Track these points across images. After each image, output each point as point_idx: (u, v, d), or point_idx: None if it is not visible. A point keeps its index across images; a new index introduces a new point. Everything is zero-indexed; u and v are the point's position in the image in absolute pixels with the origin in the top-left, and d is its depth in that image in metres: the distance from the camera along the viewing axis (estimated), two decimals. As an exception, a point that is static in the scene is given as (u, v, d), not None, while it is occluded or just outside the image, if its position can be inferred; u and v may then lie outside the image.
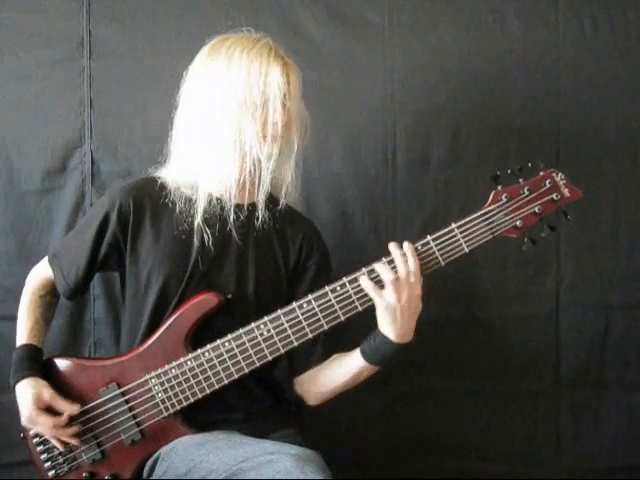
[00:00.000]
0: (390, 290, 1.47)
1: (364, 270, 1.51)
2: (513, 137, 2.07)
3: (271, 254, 1.65)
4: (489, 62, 2.07)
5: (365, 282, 1.49)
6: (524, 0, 2.07)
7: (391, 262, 1.49)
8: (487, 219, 1.51)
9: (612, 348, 2.12)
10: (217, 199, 1.60)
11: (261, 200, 1.60)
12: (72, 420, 1.57)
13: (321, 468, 1.38)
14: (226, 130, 1.56)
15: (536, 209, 1.51)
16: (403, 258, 1.48)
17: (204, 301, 1.57)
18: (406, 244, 1.50)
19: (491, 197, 1.51)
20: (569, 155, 2.06)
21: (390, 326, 1.50)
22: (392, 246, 1.50)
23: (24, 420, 1.57)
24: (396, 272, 1.47)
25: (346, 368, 1.61)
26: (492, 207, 1.51)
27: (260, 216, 1.60)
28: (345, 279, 1.52)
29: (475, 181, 2.06)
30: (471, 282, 2.07)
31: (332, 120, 2.05)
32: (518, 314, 2.10)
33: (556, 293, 2.10)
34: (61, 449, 1.59)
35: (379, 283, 1.49)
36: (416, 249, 1.50)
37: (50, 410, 1.56)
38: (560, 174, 1.52)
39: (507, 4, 2.07)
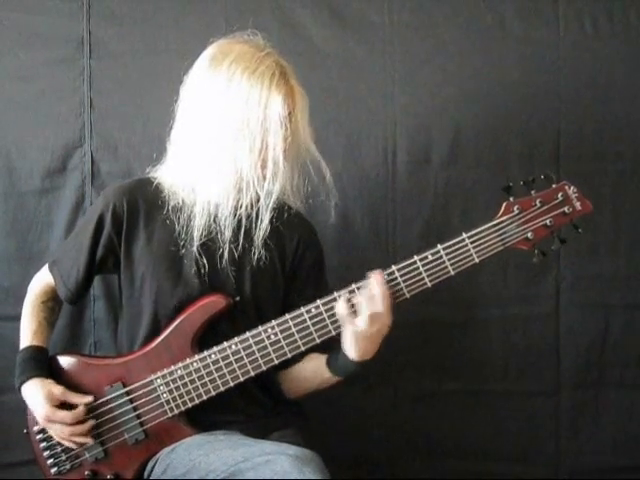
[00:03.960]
0: (364, 321, 1.46)
1: (354, 286, 1.50)
2: (513, 137, 2.08)
3: (268, 255, 1.62)
4: (489, 62, 2.07)
5: (340, 308, 1.48)
6: (524, 0, 2.07)
7: (361, 288, 1.49)
8: (499, 230, 1.50)
9: (612, 348, 2.12)
10: (217, 204, 1.56)
11: (260, 237, 1.57)
12: (87, 413, 1.57)
13: (319, 468, 1.37)
14: (223, 155, 1.52)
15: (547, 222, 1.50)
16: (380, 291, 1.46)
17: (212, 303, 1.57)
18: (377, 275, 1.48)
19: (503, 208, 1.51)
20: (569, 155, 2.07)
21: (354, 350, 1.51)
22: (373, 275, 1.49)
23: (41, 420, 1.56)
24: (373, 305, 1.46)
25: (316, 377, 1.63)
26: (504, 218, 1.50)
27: (257, 253, 1.58)
28: (354, 285, 1.51)
29: (475, 181, 2.06)
30: (472, 282, 2.07)
31: (332, 120, 2.05)
32: (518, 314, 2.10)
33: (556, 293, 2.10)
34: (74, 447, 1.58)
35: (352, 308, 1.48)
36: (426, 257, 1.50)
37: (63, 406, 1.56)
38: (572, 187, 1.52)
39: (507, 4, 2.07)
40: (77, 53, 2.02)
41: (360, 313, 1.47)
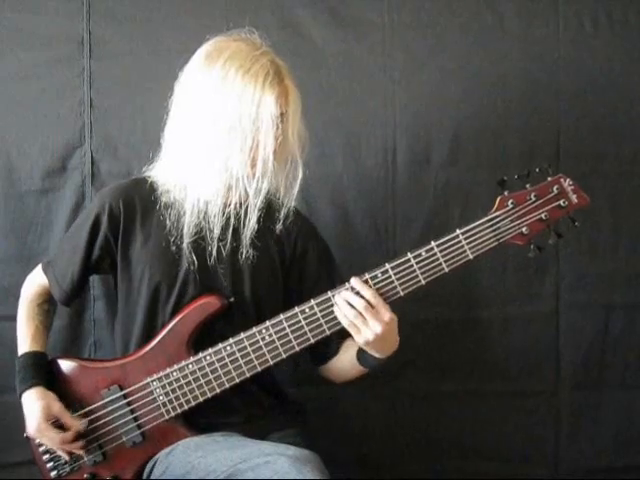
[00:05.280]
0: (364, 331, 1.46)
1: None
2: (513, 137, 2.07)
3: (267, 253, 1.62)
4: (489, 62, 2.07)
5: (343, 319, 1.48)
6: (524, 0, 2.07)
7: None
8: (493, 225, 1.48)
9: (612, 348, 2.12)
10: (207, 202, 1.56)
11: (247, 236, 1.57)
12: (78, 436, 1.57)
13: (318, 468, 1.38)
14: (215, 152, 1.52)
15: (543, 215, 1.48)
16: (369, 294, 1.47)
17: (206, 304, 1.57)
18: (354, 280, 1.49)
19: (497, 203, 1.48)
20: (569, 155, 2.06)
21: (372, 351, 1.52)
22: (353, 280, 1.49)
23: (31, 431, 1.57)
24: (370, 311, 1.46)
25: (353, 367, 1.63)
26: (498, 213, 1.48)
27: (245, 252, 1.57)
28: (348, 284, 1.50)
29: (475, 181, 2.06)
30: (471, 282, 2.07)
31: (332, 120, 2.05)
32: (518, 314, 2.10)
33: (556, 293, 2.10)
34: (66, 458, 1.59)
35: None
36: (420, 255, 1.49)
37: (57, 422, 1.56)
38: (568, 180, 1.49)
39: (507, 4, 2.07)
40: (77, 53, 2.02)
41: (362, 324, 1.47)
